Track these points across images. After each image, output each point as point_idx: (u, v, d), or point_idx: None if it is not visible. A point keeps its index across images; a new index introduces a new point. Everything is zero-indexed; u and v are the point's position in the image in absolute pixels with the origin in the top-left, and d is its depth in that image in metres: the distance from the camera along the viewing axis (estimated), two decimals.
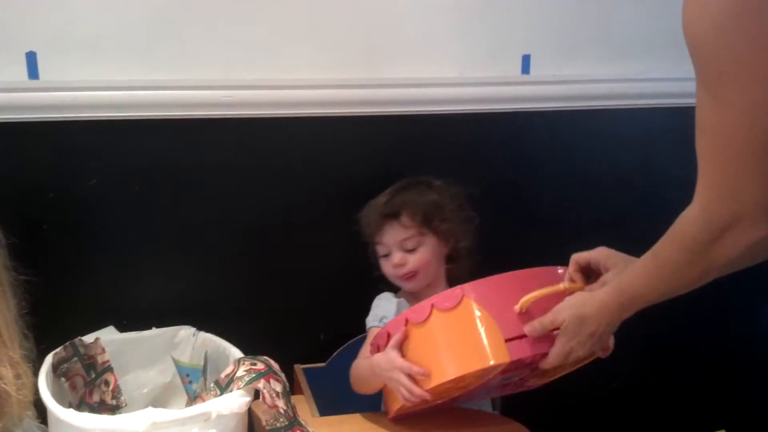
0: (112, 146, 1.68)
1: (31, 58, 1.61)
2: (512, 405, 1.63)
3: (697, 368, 2.09)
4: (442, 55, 1.82)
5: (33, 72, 1.62)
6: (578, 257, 1.39)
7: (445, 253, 1.66)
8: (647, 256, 1.20)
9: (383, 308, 1.62)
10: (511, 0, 1.84)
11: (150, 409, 1.19)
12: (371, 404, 1.56)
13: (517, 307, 1.31)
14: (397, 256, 1.62)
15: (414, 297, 1.64)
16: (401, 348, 1.40)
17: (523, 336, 1.30)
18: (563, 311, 1.29)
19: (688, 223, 1.09)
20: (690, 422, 1.98)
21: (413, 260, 1.62)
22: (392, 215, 1.62)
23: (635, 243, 1.97)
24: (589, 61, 1.90)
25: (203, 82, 1.69)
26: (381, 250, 1.65)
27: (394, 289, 1.68)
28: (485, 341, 1.30)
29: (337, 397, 1.61)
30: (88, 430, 1.18)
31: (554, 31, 1.88)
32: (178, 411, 1.23)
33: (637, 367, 1.94)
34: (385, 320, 1.58)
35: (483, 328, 1.31)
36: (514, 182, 1.90)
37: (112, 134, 1.67)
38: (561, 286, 1.34)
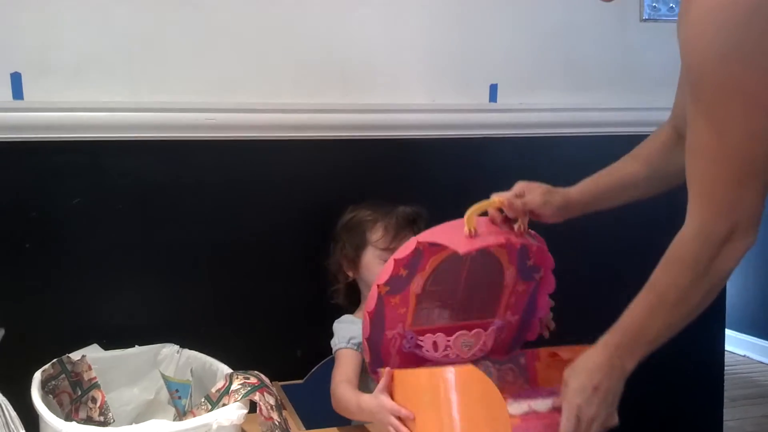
0: (96, 167, 1.70)
1: (16, 79, 1.64)
2: None
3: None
4: (416, 84, 1.92)
5: (18, 92, 1.64)
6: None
7: None
8: (643, 293, 1.18)
9: (349, 330, 1.64)
10: (481, 33, 1.95)
11: (154, 420, 1.21)
12: (350, 420, 1.59)
13: (465, 230, 1.38)
14: None
15: None
16: (389, 391, 1.41)
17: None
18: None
19: (686, 244, 1.12)
20: None
21: None
22: (414, 222, 1.66)
23: (596, 263, 2.08)
24: (551, 91, 2.02)
25: (185, 104, 1.74)
26: (384, 255, 1.62)
27: (351, 312, 1.71)
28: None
29: (316, 413, 1.63)
30: None
31: (520, 62, 1.99)
32: (182, 423, 1.24)
33: None
34: (353, 341, 1.60)
35: None
36: None
37: (96, 155, 1.70)
38: (494, 198, 1.44)
